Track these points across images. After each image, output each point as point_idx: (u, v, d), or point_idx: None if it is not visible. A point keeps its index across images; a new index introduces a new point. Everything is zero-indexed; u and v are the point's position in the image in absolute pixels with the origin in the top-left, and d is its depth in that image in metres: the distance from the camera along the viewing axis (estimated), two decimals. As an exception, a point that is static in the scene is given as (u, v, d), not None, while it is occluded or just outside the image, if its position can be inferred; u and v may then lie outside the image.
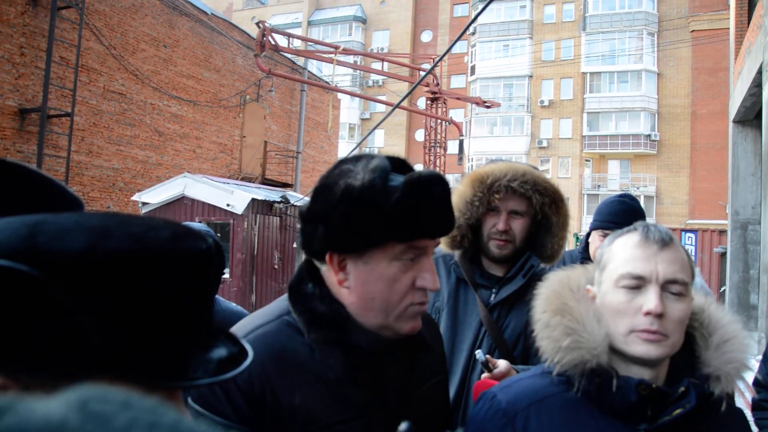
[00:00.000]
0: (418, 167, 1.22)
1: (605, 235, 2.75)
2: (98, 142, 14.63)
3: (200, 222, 11.44)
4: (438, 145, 25.00)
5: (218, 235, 12.19)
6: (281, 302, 1.30)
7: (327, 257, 1.19)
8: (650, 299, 1.18)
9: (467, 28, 5.13)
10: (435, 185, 1.14)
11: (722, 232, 17.60)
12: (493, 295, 2.09)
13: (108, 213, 0.67)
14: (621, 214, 2.77)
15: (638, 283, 1.21)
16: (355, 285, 1.18)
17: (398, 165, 1.21)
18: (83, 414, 0.34)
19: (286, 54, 20.45)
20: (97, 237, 0.60)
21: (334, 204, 1.14)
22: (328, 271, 1.22)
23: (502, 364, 1.82)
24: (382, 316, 1.18)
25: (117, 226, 0.62)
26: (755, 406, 2.58)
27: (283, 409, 1.15)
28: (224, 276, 11.80)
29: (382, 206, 1.10)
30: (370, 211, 1.11)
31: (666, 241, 1.23)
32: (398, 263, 1.15)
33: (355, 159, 1.19)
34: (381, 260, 1.15)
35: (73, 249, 0.58)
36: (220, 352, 0.70)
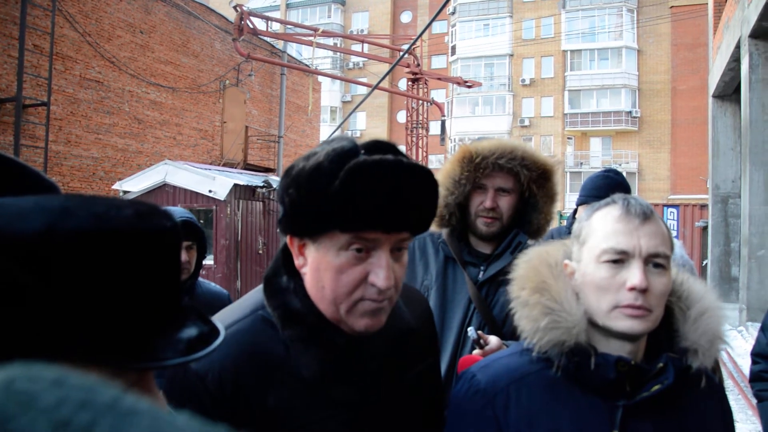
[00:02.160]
0: (400, 149, 1.14)
1: None
2: (76, 131, 14.43)
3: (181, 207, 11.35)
4: (420, 126, 24.96)
5: (201, 221, 12.11)
6: (257, 294, 1.24)
7: (288, 240, 1.15)
8: (634, 274, 1.17)
9: (443, 6, 5.10)
10: (381, 174, 1.02)
11: (703, 206, 17.80)
12: (481, 273, 2.09)
13: (70, 194, 0.64)
14: (606, 188, 2.78)
15: (621, 258, 1.19)
16: (309, 271, 1.13)
17: (382, 150, 1.09)
18: (6, 393, 0.32)
19: (264, 37, 20.26)
20: (57, 217, 0.58)
21: (286, 186, 1.09)
22: (296, 257, 1.17)
23: (493, 340, 1.83)
24: (333, 307, 1.11)
25: (78, 206, 0.60)
26: (755, 377, 2.60)
27: (256, 411, 1.11)
28: (209, 262, 11.76)
29: (323, 192, 1.02)
30: (312, 196, 1.04)
31: (647, 215, 1.22)
32: (346, 254, 1.07)
33: (330, 141, 1.11)
34: (330, 248, 1.08)
35: (31, 230, 0.57)
36: (189, 332, 0.68)
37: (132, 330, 0.62)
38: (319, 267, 1.10)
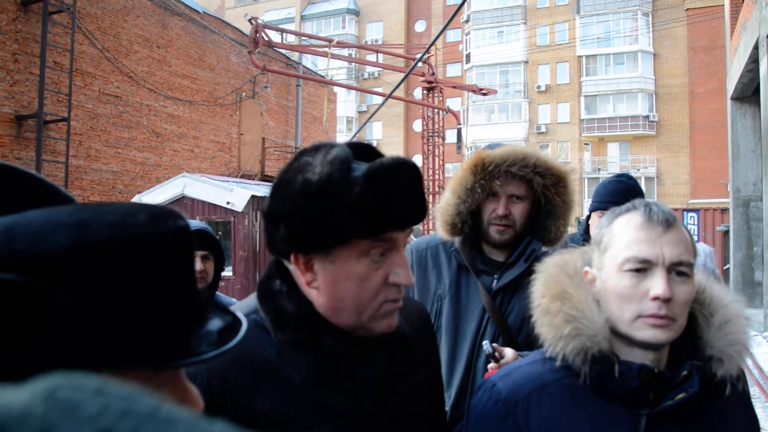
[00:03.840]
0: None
1: None
2: (96, 145, 14.61)
3: (201, 221, 11.42)
4: (436, 134, 24.90)
5: (219, 233, 12.18)
6: (251, 300, 1.23)
7: (292, 258, 1.11)
8: (658, 284, 1.15)
9: (455, 13, 5.11)
10: (399, 173, 1.06)
11: (724, 210, 17.59)
12: (495, 281, 2.06)
13: (77, 205, 0.65)
14: (619, 193, 2.76)
15: (644, 267, 1.17)
16: (324, 286, 1.10)
17: (363, 152, 1.13)
18: (50, 402, 0.32)
19: (280, 50, 20.39)
20: (79, 232, 0.59)
21: (292, 201, 1.06)
22: (295, 271, 1.14)
23: (508, 353, 1.81)
24: (355, 316, 1.11)
25: (93, 218, 0.61)
26: None
27: (244, 415, 1.11)
28: (227, 274, 11.81)
29: (341, 201, 1.02)
30: (330, 208, 1.03)
31: (670, 222, 1.19)
32: (367, 260, 1.08)
33: (315, 149, 1.10)
34: (348, 258, 1.07)
35: (58, 248, 0.57)
36: (216, 323, 0.71)
37: (165, 329, 0.63)
38: (338, 279, 1.09)
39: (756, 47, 10.21)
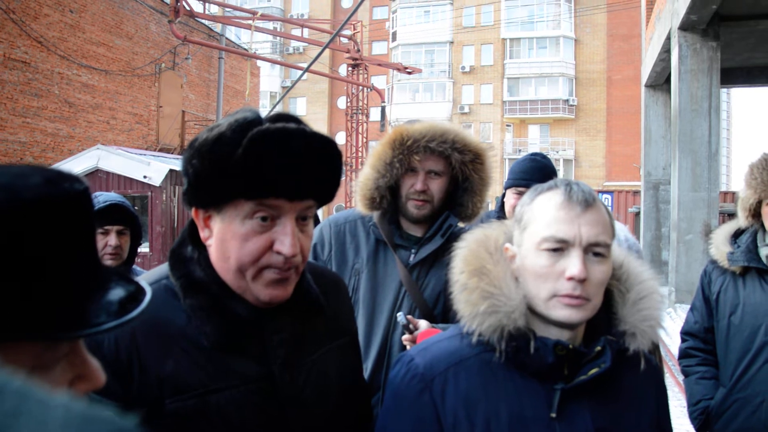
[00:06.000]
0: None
1: (519, 193, 2.83)
2: (1, 114, 13.77)
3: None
4: (360, 112, 24.90)
5: (136, 208, 11.79)
6: (163, 266, 1.24)
7: (194, 212, 1.16)
8: (573, 264, 1.16)
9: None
10: (283, 142, 1.05)
11: (636, 192, 18.39)
12: (412, 256, 2.10)
13: None
14: (533, 171, 2.84)
15: (561, 246, 1.18)
16: (215, 242, 1.14)
17: (285, 120, 1.11)
18: None
19: (202, 20, 19.77)
20: None
21: (190, 157, 1.10)
22: (202, 229, 1.17)
23: (422, 324, 1.84)
24: (239, 276, 1.13)
25: None
26: (682, 354, 2.71)
27: (151, 381, 1.10)
28: (144, 250, 11.46)
29: (225, 160, 1.04)
30: (214, 166, 1.06)
31: (589, 202, 1.20)
32: (251, 222, 1.09)
33: (233, 113, 1.13)
34: (235, 218, 1.10)
35: None
36: (117, 293, 0.67)
37: (59, 299, 0.59)
38: (225, 237, 1.12)
39: (668, 38, 10.63)
